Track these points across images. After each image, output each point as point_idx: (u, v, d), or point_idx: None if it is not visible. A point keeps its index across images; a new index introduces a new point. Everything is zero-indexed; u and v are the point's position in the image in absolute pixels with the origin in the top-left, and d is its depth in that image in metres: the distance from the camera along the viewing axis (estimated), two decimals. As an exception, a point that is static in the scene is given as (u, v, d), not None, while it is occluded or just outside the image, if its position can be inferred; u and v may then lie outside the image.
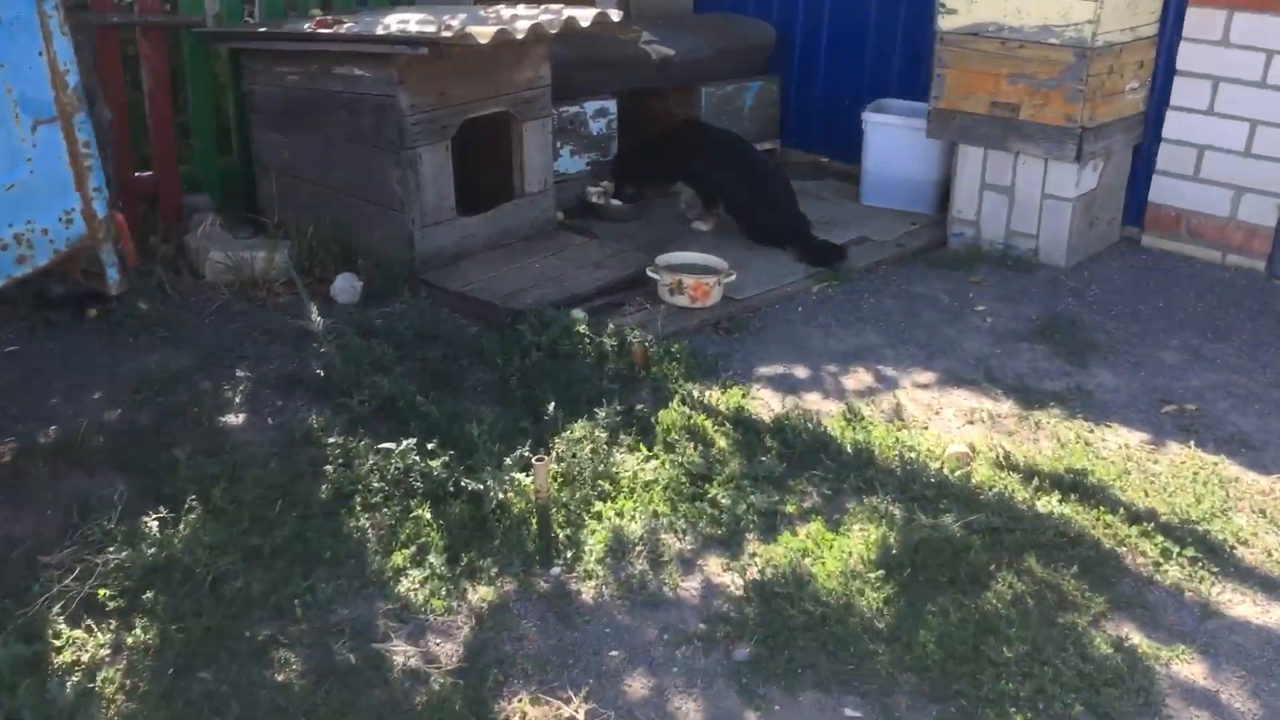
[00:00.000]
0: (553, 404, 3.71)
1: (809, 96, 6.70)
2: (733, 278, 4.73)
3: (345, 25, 4.73)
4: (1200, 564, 3.20)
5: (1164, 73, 5.40)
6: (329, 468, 3.44)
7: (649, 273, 4.72)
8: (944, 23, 5.33)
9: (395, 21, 4.70)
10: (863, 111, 5.94)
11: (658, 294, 4.72)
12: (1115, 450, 3.75)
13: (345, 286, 4.66)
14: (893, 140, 5.86)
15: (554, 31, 4.45)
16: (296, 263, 4.77)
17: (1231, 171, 5.27)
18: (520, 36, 4.30)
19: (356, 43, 4.45)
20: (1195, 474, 3.62)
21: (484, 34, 4.17)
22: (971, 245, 5.52)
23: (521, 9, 4.91)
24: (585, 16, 4.57)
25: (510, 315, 4.39)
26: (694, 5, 7.06)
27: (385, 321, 4.40)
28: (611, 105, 5.83)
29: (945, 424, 3.91)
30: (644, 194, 5.77)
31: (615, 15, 4.70)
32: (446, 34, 4.19)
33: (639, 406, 3.89)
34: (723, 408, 3.93)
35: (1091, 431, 3.86)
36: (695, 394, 4.00)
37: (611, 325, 4.36)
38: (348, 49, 4.50)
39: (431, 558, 3.09)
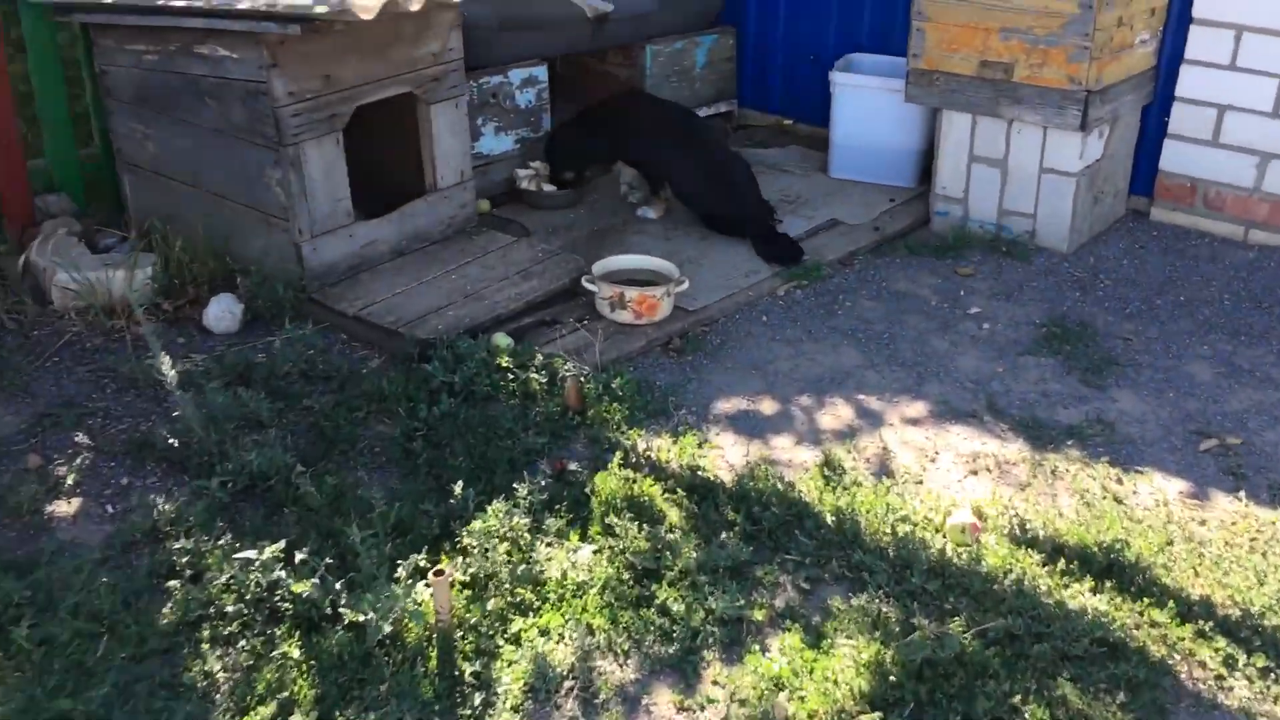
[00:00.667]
0: (461, 482, 2.99)
1: (768, 51, 5.91)
2: (684, 286, 4.00)
3: (208, -7, 3.90)
4: (1273, 675, 2.55)
5: (1178, 21, 4.67)
6: (174, 582, 2.71)
7: (585, 284, 3.98)
8: (924, -32, 4.56)
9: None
10: (830, 71, 5.17)
11: (596, 308, 3.99)
12: (1152, 509, 3.08)
13: (221, 312, 3.89)
14: (866, 105, 5.11)
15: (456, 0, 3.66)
16: (163, 284, 3.98)
17: (1257, 135, 4.57)
18: (415, 7, 3.49)
19: (212, 18, 3.63)
20: (1252, 540, 2.96)
21: (367, 8, 3.37)
22: (958, 226, 4.81)
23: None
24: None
25: (418, 346, 3.65)
26: (636, -53, 6.22)
27: (268, 357, 3.66)
28: (541, 72, 5.03)
29: (944, 476, 3.23)
30: (583, 175, 5.00)
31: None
32: (321, 8, 3.39)
33: (572, 466, 3.19)
34: (674, 464, 3.22)
35: (1120, 481, 3.19)
36: (641, 446, 3.29)
37: (541, 355, 3.63)
38: (205, 25, 3.68)
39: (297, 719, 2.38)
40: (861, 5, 5.53)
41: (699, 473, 3.18)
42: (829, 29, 5.66)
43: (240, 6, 3.56)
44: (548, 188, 4.92)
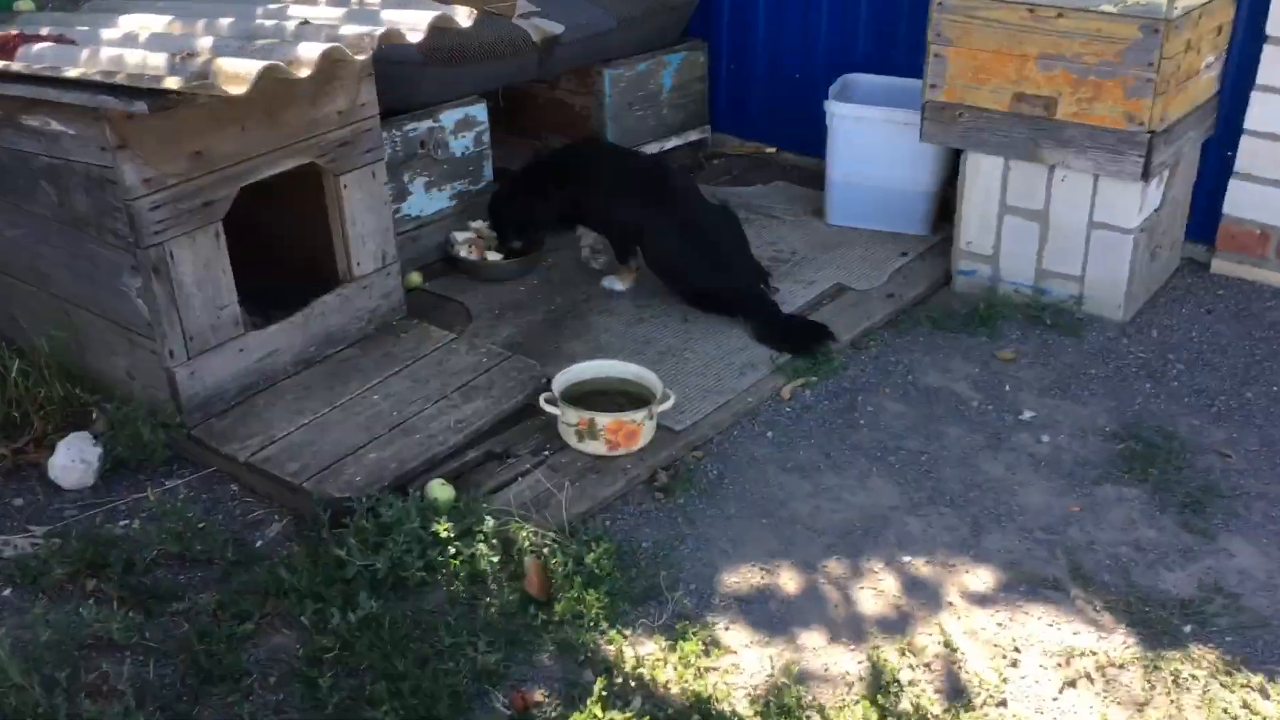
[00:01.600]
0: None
1: (746, 68, 5.06)
2: (670, 403, 3.16)
3: (41, 43, 2.98)
4: None
5: (1247, 39, 3.87)
6: None
7: (545, 405, 3.13)
8: (944, -19, 3.73)
9: (121, 35, 2.97)
10: (826, 101, 4.32)
11: (560, 433, 3.15)
12: (1318, 741, 2.31)
13: (71, 461, 3.00)
14: (869, 139, 4.27)
15: (362, 57, 2.77)
16: (-3, 421, 3.09)
17: (1345, 176, 3.81)
18: (303, 73, 2.60)
19: (37, 84, 2.72)
20: None
21: (238, 77, 2.48)
22: (987, 288, 4.00)
23: None
24: (418, 19, 2.87)
25: (329, 509, 2.79)
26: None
27: (130, 530, 2.79)
28: (480, 110, 4.14)
29: (1033, 689, 2.44)
30: (535, 239, 4.12)
31: (466, 14, 2.99)
32: (174, 80, 2.48)
33: (538, 698, 2.36)
34: (674, 688, 2.40)
35: (1266, 693, 2.41)
36: (629, 657, 2.47)
37: (491, 518, 2.79)
38: (29, 93, 2.76)
39: None
40: (856, 15, 4.68)
41: (709, 706, 2.35)
42: (817, 43, 4.82)
43: (69, 74, 2.65)
44: (492, 255, 4.04)
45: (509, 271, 4.03)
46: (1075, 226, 3.80)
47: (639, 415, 3.07)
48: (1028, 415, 3.34)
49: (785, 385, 3.49)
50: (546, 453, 3.12)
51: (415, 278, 3.98)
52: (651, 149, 4.86)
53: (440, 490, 2.91)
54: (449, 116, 4.03)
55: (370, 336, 3.47)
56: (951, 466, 3.13)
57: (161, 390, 3.05)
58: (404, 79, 3.78)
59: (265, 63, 2.48)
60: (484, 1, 4.23)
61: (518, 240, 4.02)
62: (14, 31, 3.04)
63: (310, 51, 2.60)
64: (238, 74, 2.48)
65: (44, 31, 3.11)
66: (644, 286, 3.98)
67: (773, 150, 5.13)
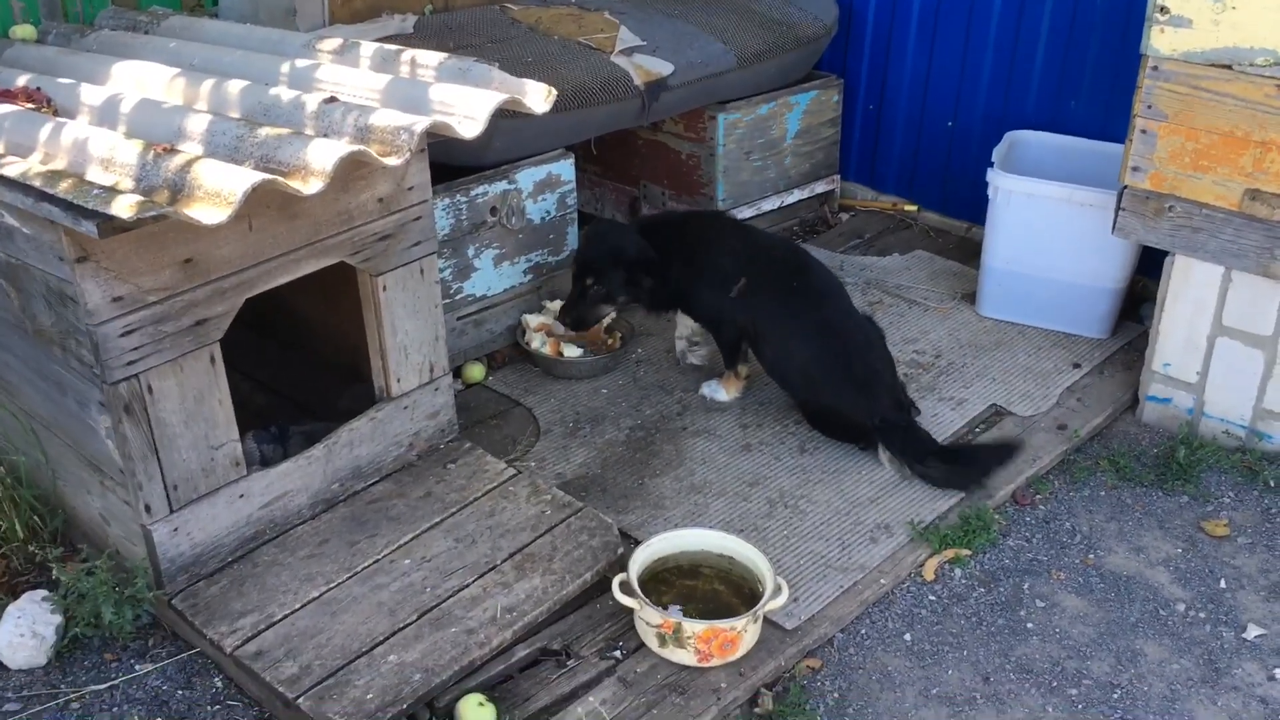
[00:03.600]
0: None
1: (887, 110, 4.26)
2: (781, 600, 2.42)
3: (7, 102, 2.34)
4: None
5: None
6: None
7: (620, 596, 2.41)
8: (1163, 40, 2.88)
9: (104, 100, 2.31)
10: (990, 170, 3.51)
11: (637, 630, 2.44)
12: None
13: (18, 637, 2.38)
14: (1042, 220, 3.45)
15: (395, 161, 2.05)
16: (-61, 573, 2.49)
17: None
18: (310, 189, 1.90)
19: (-26, 181, 2.07)
20: None
21: (219, 197, 1.79)
22: (1185, 424, 3.18)
23: (369, 56, 2.50)
24: (476, 106, 2.15)
25: (328, 743, 2.13)
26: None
27: (77, 750, 2.16)
28: (566, 168, 3.43)
29: None
30: (610, 316, 3.39)
31: (542, 95, 2.26)
32: (130, 204, 1.81)
33: None
34: None
35: None
36: None
37: (535, 772, 2.10)
38: (-30, 184, 2.12)
39: None
40: (1031, 58, 3.84)
41: None
42: (977, 86, 3.99)
43: (6, 171, 1.99)
44: (569, 351, 3.33)
45: (588, 369, 3.32)
46: (1314, 361, 2.96)
47: (739, 622, 2.34)
48: (1254, 634, 2.53)
49: (929, 559, 2.73)
50: (618, 655, 2.42)
51: (476, 371, 3.30)
52: (770, 203, 4.10)
53: (476, 713, 2.23)
54: (527, 176, 3.32)
55: (410, 466, 2.80)
56: (1155, 713, 2.35)
57: (139, 544, 2.41)
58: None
59: (255, 180, 1.79)
60: (578, 32, 3.51)
61: (589, 317, 3.26)
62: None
63: (323, 159, 1.91)
64: (219, 193, 1.80)
65: (20, 82, 2.47)
66: (753, 396, 3.24)
67: (913, 209, 4.33)
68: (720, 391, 3.23)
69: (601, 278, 3.14)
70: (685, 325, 3.38)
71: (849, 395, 2.97)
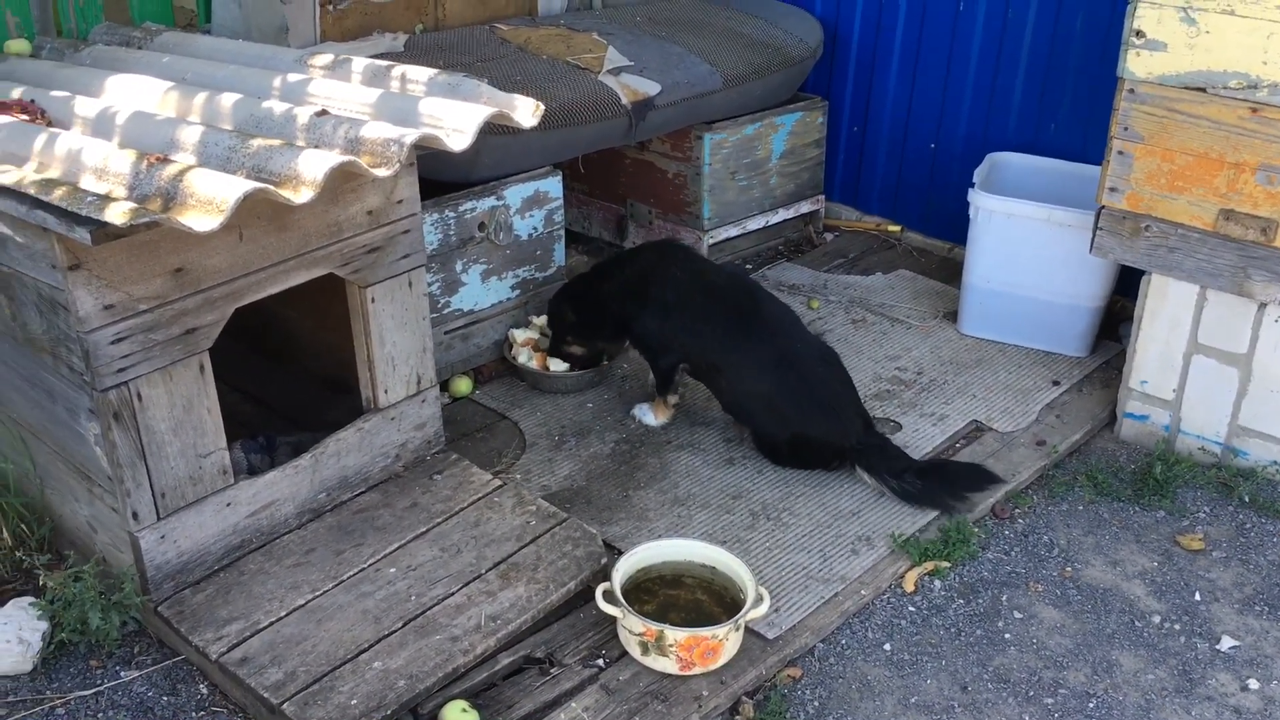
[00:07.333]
0: None
1: (871, 131, 4.33)
2: (762, 610, 2.45)
3: (2, 114, 2.38)
4: None
5: None
6: None
7: (602, 604, 2.44)
8: (1139, 64, 2.95)
9: (97, 112, 2.35)
10: (970, 190, 3.57)
11: (620, 639, 2.47)
12: None
13: (4, 643, 2.39)
14: (1022, 239, 3.51)
15: (384, 172, 2.09)
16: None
17: None
18: (301, 198, 1.94)
19: (-33, 188, 2.10)
20: None
21: (210, 204, 1.83)
22: (1162, 441, 3.23)
23: (360, 71, 2.55)
24: (464, 119, 2.20)
25: (312, 747, 2.14)
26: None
27: (61, 754, 2.17)
28: (554, 184, 3.47)
29: None
30: (599, 351, 3.43)
31: (529, 109, 2.31)
32: (123, 211, 1.84)
33: None
34: None
35: None
36: None
37: (517, 777, 2.12)
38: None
39: None
40: (1011, 81, 3.91)
41: None
42: (959, 109, 4.06)
43: (1, 180, 2.03)
44: (555, 365, 3.37)
45: (573, 383, 3.36)
46: (1287, 379, 3.01)
47: (721, 630, 2.37)
48: (1227, 646, 2.57)
49: (909, 570, 2.76)
50: (601, 663, 2.44)
51: (464, 385, 3.33)
52: (756, 223, 4.16)
53: (460, 718, 2.25)
54: (515, 193, 3.36)
55: (397, 477, 2.82)
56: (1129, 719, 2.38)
57: (126, 551, 2.43)
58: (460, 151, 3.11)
59: (248, 188, 1.83)
60: (566, 52, 3.57)
61: (575, 348, 3.32)
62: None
63: (314, 169, 1.95)
64: (211, 200, 1.84)
65: (14, 95, 2.51)
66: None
67: (896, 229, 4.38)
68: (649, 415, 3.24)
69: (558, 336, 3.35)
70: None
71: (820, 421, 2.99)
